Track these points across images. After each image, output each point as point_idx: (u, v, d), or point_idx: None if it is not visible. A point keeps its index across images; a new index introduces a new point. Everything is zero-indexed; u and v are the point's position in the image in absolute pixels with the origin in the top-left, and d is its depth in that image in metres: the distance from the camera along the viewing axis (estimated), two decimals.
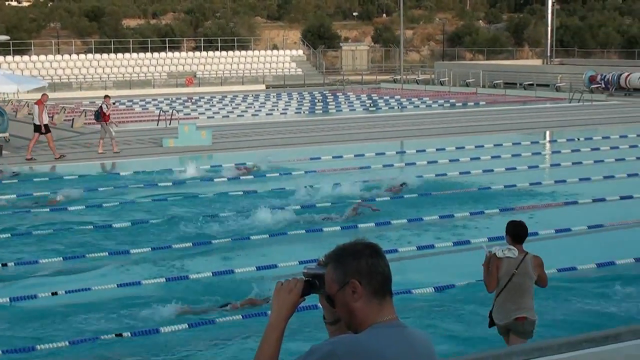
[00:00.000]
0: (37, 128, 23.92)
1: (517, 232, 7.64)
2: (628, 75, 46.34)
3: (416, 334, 3.02)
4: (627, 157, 23.00)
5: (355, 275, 2.96)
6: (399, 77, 58.68)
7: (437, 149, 25.08)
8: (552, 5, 63.76)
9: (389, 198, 17.71)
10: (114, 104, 31.08)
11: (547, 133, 30.63)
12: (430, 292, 11.16)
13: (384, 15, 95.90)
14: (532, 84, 50.70)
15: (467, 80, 54.79)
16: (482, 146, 25.61)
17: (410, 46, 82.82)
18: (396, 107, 42.47)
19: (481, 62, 68.39)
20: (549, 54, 62.46)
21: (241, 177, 20.74)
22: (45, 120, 24.02)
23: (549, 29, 62.34)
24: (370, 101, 45.08)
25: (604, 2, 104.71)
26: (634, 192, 17.99)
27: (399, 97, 46.71)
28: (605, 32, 79.61)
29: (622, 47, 76.60)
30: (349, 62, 72.71)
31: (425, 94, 48.54)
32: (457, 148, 25.27)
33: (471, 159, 23.33)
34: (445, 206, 16.94)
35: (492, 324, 7.82)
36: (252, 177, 20.84)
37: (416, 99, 45.21)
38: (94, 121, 26.42)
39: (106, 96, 26.30)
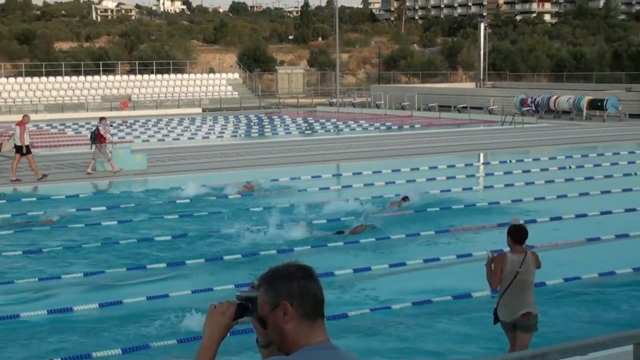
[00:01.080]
0: (18, 149, 24.02)
1: (517, 234, 8.25)
2: (557, 98, 47.42)
3: (347, 356, 3.01)
4: (556, 178, 23.48)
5: (286, 297, 2.97)
6: (335, 100, 59.05)
7: (373, 172, 25.21)
8: (485, 29, 65.00)
9: (325, 220, 17.73)
10: (109, 124, 29.99)
11: (481, 155, 31.10)
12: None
13: (320, 38, 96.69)
14: (466, 107, 51.51)
15: (402, 103, 55.40)
16: (418, 168, 25.86)
17: (346, 69, 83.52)
18: (332, 130, 42.67)
19: (416, 85, 69.36)
20: (481, 77, 63.59)
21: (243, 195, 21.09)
22: (27, 141, 24.12)
23: (482, 52, 63.51)
24: (306, 124, 45.21)
25: (534, 27, 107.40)
26: (564, 213, 18.36)
27: (335, 120, 46.95)
28: (535, 55, 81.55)
29: (552, 70, 78.51)
30: (285, 85, 72.95)
31: (362, 117, 48.89)
32: (393, 171, 25.44)
33: (407, 181, 23.52)
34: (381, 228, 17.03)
35: (496, 320, 8.34)
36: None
37: (352, 122, 45.49)
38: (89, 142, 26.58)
39: (102, 118, 26.53)
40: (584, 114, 45.40)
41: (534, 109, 47.77)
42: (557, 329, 10.51)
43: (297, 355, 2.94)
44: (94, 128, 26.60)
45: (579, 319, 11.07)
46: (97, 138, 25.34)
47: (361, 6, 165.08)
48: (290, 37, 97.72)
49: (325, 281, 12.08)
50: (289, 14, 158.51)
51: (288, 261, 3.11)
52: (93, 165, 25.57)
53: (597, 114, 45.17)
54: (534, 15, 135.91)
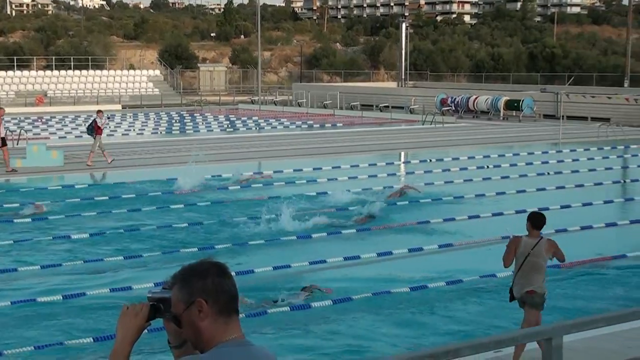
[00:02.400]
0: None
1: (536, 221, 8.90)
2: (476, 98, 48.32)
3: (261, 352, 3.03)
4: (474, 177, 23.89)
5: (201, 295, 2.97)
6: (256, 98, 58.89)
7: (294, 170, 25.22)
8: (406, 29, 65.72)
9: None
10: (108, 118, 31.81)
11: (402, 154, 31.43)
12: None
13: (242, 36, 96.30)
14: (387, 106, 51.99)
15: (324, 102, 55.58)
16: (339, 167, 25.96)
17: (268, 67, 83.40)
18: (254, 128, 42.53)
19: (338, 84, 69.69)
20: (403, 77, 64.29)
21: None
22: (2, 133, 24.43)
23: (403, 52, 64.20)
24: (228, 122, 44.97)
25: (454, 27, 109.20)
26: (481, 212, 18.69)
27: (256, 118, 46.81)
28: (455, 56, 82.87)
29: (471, 70, 79.92)
30: (207, 82, 72.40)
31: (283, 115, 48.87)
32: (314, 169, 25.49)
33: (328, 179, 23.61)
34: (301, 225, 17.05)
35: (512, 298, 8.96)
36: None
37: (274, 120, 45.44)
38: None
39: (99, 111, 27.35)
40: (501, 115, 46.36)
41: (453, 108, 48.56)
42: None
43: (212, 353, 2.94)
44: (91, 120, 27.46)
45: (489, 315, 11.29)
46: (94, 130, 26.01)
47: (283, 4, 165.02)
48: (212, 35, 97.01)
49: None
50: (211, 11, 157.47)
51: (202, 258, 3.10)
52: (92, 157, 26.08)
53: (514, 114, 46.19)
54: (454, 16, 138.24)
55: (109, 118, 32.34)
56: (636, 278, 13.36)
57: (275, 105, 57.98)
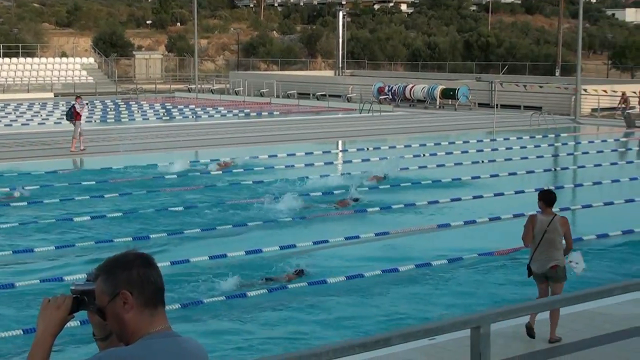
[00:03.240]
0: None
1: (547, 198, 9.42)
2: (412, 86, 48.68)
3: (188, 343, 3.00)
4: (410, 166, 24.08)
5: (126, 286, 2.93)
6: (193, 86, 58.32)
7: (231, 158, 25.09)
8: (343, 17, 65.78)
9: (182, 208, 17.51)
10: (86, 104, 31.81)
11: (339, 143, 31.51)
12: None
13: (179, 24, 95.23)
14: (324, 95, 52.03)
15: (261, 90, 55.37)
16: (276, 155, 25.92)
17: (205, 55, 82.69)
18: (191, 117, 42.15)
19: (275, 72, 69.45)
20: (340, 66, 64.35)
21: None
22: None
23: (340, 41, 64.24)
24: (164, 110, 44.49)
25: (391, 16, 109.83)
26: (417, 200, 18.86)
27: (193, 106, 46.39)
28: (392, 44, 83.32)
29: (408, 59, 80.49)
30: (143, 70, 71.41)
31: (220, 104, 48.55)
32: (251, 157, 25.40)
33: (265, 167, 23.57)
34: (237, 213, 17.02)
35: (530, 274, 9.45)
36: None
37: (211, 109, 45.10)
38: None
39: (78, 96, 27.92)
40: (438, 103, 46.82)
41: (390, 97, 48.84)
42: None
43: (138, 345, 2.90)
44: (70, 106, 27.50)
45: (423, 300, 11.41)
46: (73, 115, 26.24)
47: None
48: (148, 22, 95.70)
49: None
50: None
51: (126, 250, 3.07)
52: (76, 143, 26.28)
53: (450, 102, 46.69)
54: (391, 4, 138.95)
55: (87, 104, 32.50)
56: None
57: (212, 93, 57.55)
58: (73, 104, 26.79)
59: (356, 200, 18.41)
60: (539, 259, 9.29)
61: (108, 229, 15.76)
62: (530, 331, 8.90)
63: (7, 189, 19.30)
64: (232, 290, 11.75)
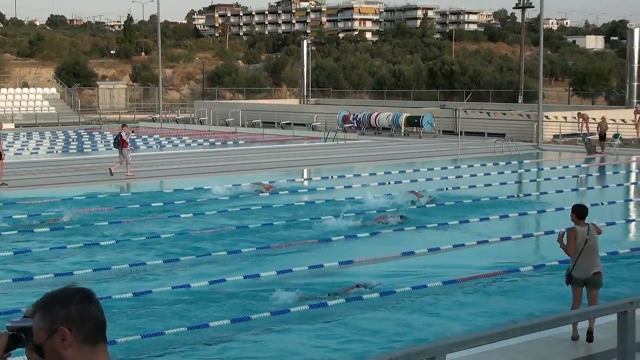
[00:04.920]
0: None
1: (580, 212, 10.41)
2: (377, 114, 48.88)
3: None
4: (375, 194, 24.04)
5: (64, 323, 2.84)
6: (158, 116, 58.10)
7: (194, 188, 24.91)
8: (308, 46, 66.11)
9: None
10: (132, 132, 33.03)
11: (305, 171, 31.44)
12: None
13: (143, 53, 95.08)
14: (289, 123, 52.06)
15: (226, 120, 55.28)
16: (240, 185, 25.76)
17: (170, 85, 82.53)
18: (155, 147, 41.89)
19: (241, 101, 69.49)
20: (305, 94, 64.56)
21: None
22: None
23: (305, 69, 64.51)
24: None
25: (356, 45, 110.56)
26: (382, 228, 18.80)
27: (157, 136, 46.14)
28: (357, 73, 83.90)
29: (373, 87, 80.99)
30: (107, 100, 71.07)
31: (185, 133, 48.35)
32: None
33: (230, 197, 23.40)
34: (201, 243, 16.83)
35: (569, 281, 10.21)
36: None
37: (175, 138, 44.88)
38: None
39: (124, 125, 29.57)
40: (402, 131, 47.04)
41: (355, 125, 48.97)
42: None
43: None
44: (116, 134, 29.03)
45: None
46: (120, 143, 27.67)
47: (185, 21, 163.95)
48: (112, 52, 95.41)
49: None
50: (111, 28, 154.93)
51: (65, 285, 2.97)
52: (119, 167, 27.82)
53: (414, 130, 46.92)
54: (356, 33, 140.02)
55: (132, 132, 33.55)
56: (526, 291, 13.61)
57: (177, 123, 57.34)
58: (120, 133, 28.26)
59: (404, 218, 19.67)
60: (583, 266, 10.11)
61: (65, 260, 15.46)
62: (589, 336, 9.52)
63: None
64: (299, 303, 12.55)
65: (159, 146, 42.12)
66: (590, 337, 9.41)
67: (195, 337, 11.09)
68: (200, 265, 15.43)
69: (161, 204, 22.16)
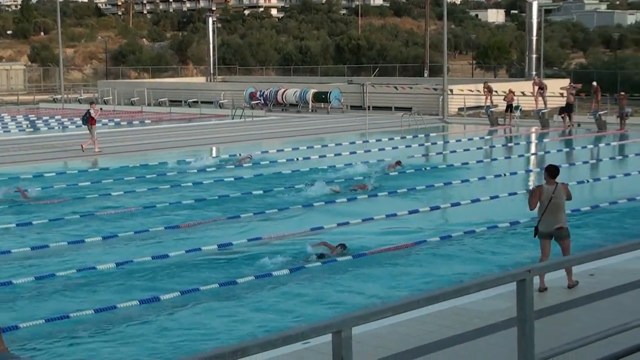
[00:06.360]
0: None
1: (551, 172, 11.14)
2: (284, 91, 48.76)
3: None
4: (283, 169, 24.06)
5: None
6: (59, 96, 56.56)
7: (100, 169, 24.43)
8: (213, 24, 65.34)
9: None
10: (100, 109, 34.31)
11: (213, 149, 31.15)
12: None
13: (42, 33, 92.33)
14: (196, 101, 51.47)
15: (132, 99, 54.23)
16: (147, 165, 25.38)
17: (72, 65, 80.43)
18: (57, 128, 40.80)
19: (146, 80, 68.21)
20: (212, 72, 63.90)
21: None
22: None
23: (211, 47, 63.80)
24: (28, 122, 42.91)
25: (261, 21, 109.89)
26: (291, 204, 18.84)
27: (59, 117, 44.93)
28: (263, 49, 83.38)
29: (280, 64, 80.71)
30: (4, 82, 68.76)
31: None
32: (121, 167, 24.80)
33: (136, 177, 23.02)
34: (106, 224, 16.53)
35: (536, 233, 11.10)
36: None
37: (79, 119, 43.71)
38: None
39: (92, 102, 30.64)
40: (310, 107, 47.07)
41: (263, 102, 48.74)
42: None
43: None
44: (85, 111, 29.21)
45: None
46: (88, 121, 28.05)
47: (86, 0, 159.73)
48: (9, 32, 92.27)
49: None
50: (7, 8, 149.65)
51: None
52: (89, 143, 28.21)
53: (322, 106, 47.00)
54: (262, 10, 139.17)
55: (101, 109, 34.25)
56: (429, 264, 13.86)
57: (80, 103, 55.90)
58: (89, 110, 28.58)
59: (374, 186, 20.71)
60: (547, 221, 10.96)
61: None
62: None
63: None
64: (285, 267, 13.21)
65: (61, 127, 41.05)
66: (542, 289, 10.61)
67: (188, 299, 11.80)
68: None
69: (88, 183, 21.67)
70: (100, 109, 33.53)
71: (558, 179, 11.23)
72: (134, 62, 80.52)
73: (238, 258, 14.31)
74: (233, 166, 25.29)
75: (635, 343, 6.93)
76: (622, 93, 35.60)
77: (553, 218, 10.95)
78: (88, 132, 28.89)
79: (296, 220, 17.39)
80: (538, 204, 11.07)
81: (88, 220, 17.60)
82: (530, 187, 11.96)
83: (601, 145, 30.77)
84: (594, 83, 37.94)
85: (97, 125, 29.18)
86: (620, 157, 26.94)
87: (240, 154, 26.99)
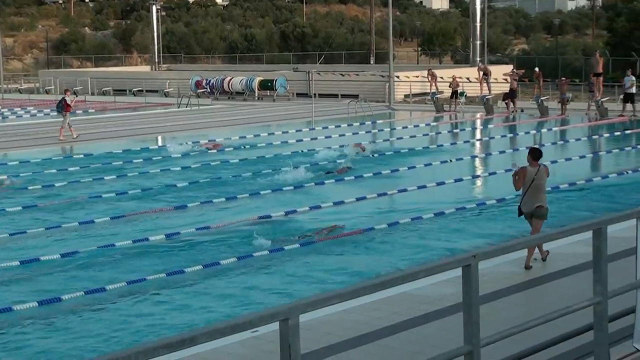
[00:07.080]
0: None
1: (535, 153, 11.57)
2: (230, 79, 48.48)
3: None
4: (231, 158, 23.97)
5: None
6: None
7: (43, 159, 24.02)
8: (157, 12, 64.59)
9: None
10: (75, 96, 34.38)
11: (159, 138, 30.85)
12: None
13: None
14: (141, 90, 50.89)
15: (74, 88, 53.34)
16: (92, 154, 25.05)
17: (12, 55, 78.81)
18: None
19: (89, 69, 67.20)
20: (156, 60, 63.22)
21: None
22: None
23: (155, 35, 63.10)
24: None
25: (206, 9, 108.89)
26: (237, 192, 18.78)
27: None
28: (209, 38, 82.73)
29: (225, 52, 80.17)
30: None
31: (30, 104, 46.38)
32: (65, 157, 24.43)
33: (81, 167, 22.68)
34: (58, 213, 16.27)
35: (520, 213, 11.66)
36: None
37: (19, 109, 43.01)
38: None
39: (67, 90, 30.62)
40: (256, 95, 46.90)
41: (209, 90, 48.43)
42: None
43: None
44: (60, 98, 29.63)
45: None
46: (63, 107, 28.23)
47: None
48: None
49: None
50: None
51: None
52: (64, 132, 28.33)
53: (268, 94, 46.87)
54: None
55: (76, 96, 34.54)
56: (382, 249, 13.96)
57: (21, 93, 54.95)
58: (63, 97, 28.79)
59: (350, 168, 21.62)
60: (528, 201, 11.44)
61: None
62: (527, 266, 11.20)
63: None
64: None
65: (1, 117, 40.24)
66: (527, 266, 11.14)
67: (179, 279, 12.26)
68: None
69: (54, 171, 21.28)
70: (76, 95, 33.82)
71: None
72: (77, 51, 79.21)
73: (184, 246, 14.23)
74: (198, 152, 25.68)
75: (579, 326, 7.07)
76: (563, 78, 36.18)
77: (534, 199, 11.41)
78: (61, 119, 29.14)
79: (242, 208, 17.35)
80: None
81: (32, 211, 17.32)
82: (513, 168, 12.21)
83: (543, 130, 31.25)
84: (536, 69, 38.53)
85: (70, 113, 29.28)
86: (562, 142, 27.39)
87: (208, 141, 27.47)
